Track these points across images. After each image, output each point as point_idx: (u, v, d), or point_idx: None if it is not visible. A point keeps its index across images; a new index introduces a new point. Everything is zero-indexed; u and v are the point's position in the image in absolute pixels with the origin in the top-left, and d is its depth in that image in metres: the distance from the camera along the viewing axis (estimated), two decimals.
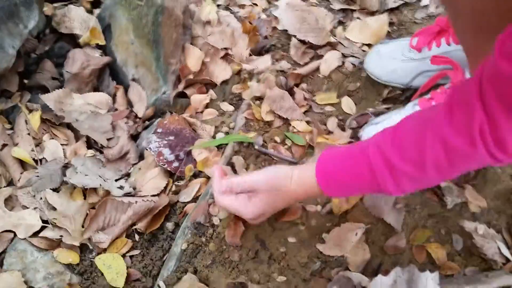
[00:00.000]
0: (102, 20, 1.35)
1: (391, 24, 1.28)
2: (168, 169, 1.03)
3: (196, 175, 1.04)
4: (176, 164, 1.04)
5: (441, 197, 0.93)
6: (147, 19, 1.15)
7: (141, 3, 1.19)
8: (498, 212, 0.92)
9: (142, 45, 1.19)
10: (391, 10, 1.32)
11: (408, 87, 1.09)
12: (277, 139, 1.09)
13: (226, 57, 1.24)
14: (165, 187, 1.03)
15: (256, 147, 1.05)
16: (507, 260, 0.84)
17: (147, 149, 1.06)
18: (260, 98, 1.16)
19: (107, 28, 1.33)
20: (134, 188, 1.03)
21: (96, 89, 1.28)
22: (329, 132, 1.08)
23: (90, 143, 1.16)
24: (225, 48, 1.24)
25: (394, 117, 0.97)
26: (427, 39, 1.03)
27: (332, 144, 1.03)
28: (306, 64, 1.23)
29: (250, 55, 1.25)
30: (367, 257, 0.85)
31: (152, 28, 1.15)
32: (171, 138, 1.07)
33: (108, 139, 1.14)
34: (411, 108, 0.97)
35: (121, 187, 1.03)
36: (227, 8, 1.35)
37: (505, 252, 0.84)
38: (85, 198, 1.03)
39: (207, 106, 1.18)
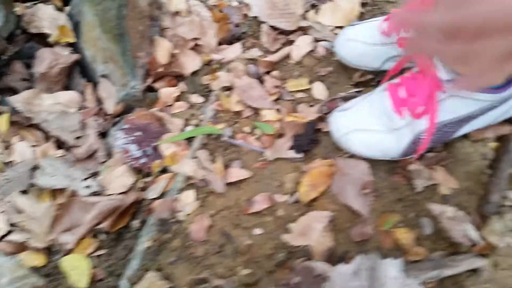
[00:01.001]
0: (72, 17, 1.33)
1: (364, 4, 1.24)
2: (136, 165, 1.02)
3: (164, 171, 1.03)
4: (143, 160, 1.02)
5: (410, 180, 0.90)
6: (111, 13, 1.13)
7: None
8: (469, 193, 0.89)
9: (109, 40, 1.17)
10: None
11: (380, 71, 1.05)
12: (247, 129, 1.07)
13: (196, 47, 1.21)
14: (133, 184, 1.01)
15: (225, 138, 1.03)
16: (475, 243, 0.81)
17: (114, 147, 1.05)
18: (229, 88, 1.13)
19: (77, 25, 1.31)
20: (102, 187, 1.02)
21: (66, 87, 1.27)
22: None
23: (60, 143, 1.14)
24: (195, 39, 1.22)
25: (362, 103, 0.94)
26: (395, 26, 0.99)
27: (301, 121, 1.00)
28: (277, 50, 1.20)
29: (220, 44, 1.22)
30: (330, 245, 0.83)
31: (117, 22, 1.13)
32: (138, 133, 1.05)
33: (77, 138, 1.13)
34: (379, 93, 0.93)
35: (88, 187, 1.03)
36: None
37: (473, 234, 0.81)
38: (53, 200, 1.02)
39: (177, 99, 1.16)
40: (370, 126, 0.88)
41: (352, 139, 0.90)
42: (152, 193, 0.99)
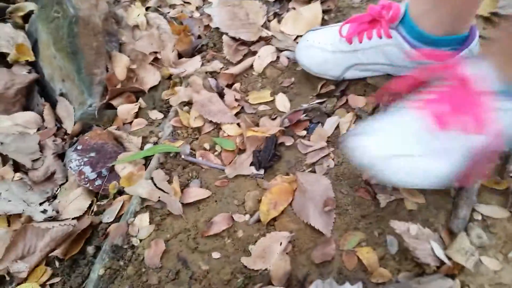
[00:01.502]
0: (31, 35, 1.29)
1: (328, 11, 1.20)
2: (91, 188, 0.97)
3: (121, 192, 0.98)
4: (98, 182, 0.98)
5: (375, 196, 0.86)
6: (63, 31, 1.08)
7: (58, 15, 1.12)
8: (436, 208, 0.84)
9: (63, 58, 1.12)
10: None
11: (340, 80, 1.01)
12: (207, 146, 1.02)
13: (156, 61, 1.17)
14: (89, 208, 0.97)
15: (183, 156, 0.99)
16: (443, 262, 0.77)
17: (68, 169, 1.00)
18: (189, 103, 1.09)
19: (35, 43, 1.26)
20: (58, 211, 0.97)
21: (25, 108, 1.22)
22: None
23: (17, 166, 1.09)
24: (154, 52, 1.18)
25: (388, 126, 0.80)
26: (357, 29, 0.96)
27: (262, 135, 0.96)
28: (239, 62, 1.16)
29: (180, 57, 1.18)
30: (288, 269, 0.79)
31: (69, 39, 1.09)
32: (92, 154, 1.00)
33: (34, 160, 1.08)
34: (407, 112, 0.80)
35: (44, 211, 0.98)
36: (157, 9, 1.28)
37: (439, 253, 0.77)
38: (9, 225, 0.97)
39: (136, 115, 1.12)
40: (408, 151, 0.75)
41: (390, 167, 0.75)
42: (108, 216, 0.95)
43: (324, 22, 1.19)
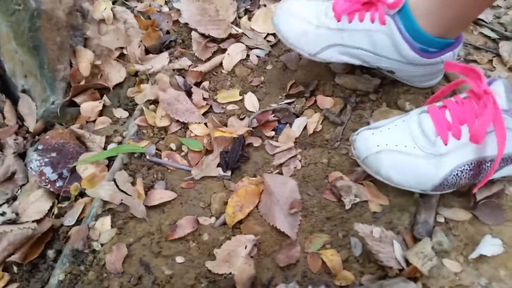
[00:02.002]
0: None
1: None
2: (51, 189, 0.94)
3: (82, 194, 0.95)
4: (60, 183, 0.95)
5: (340, 198, 0.86)
6: (24, 24, 1.04)
7: (19, 7, 1.08)
8: (401, 210, 0.85)
9: (25, 53, 1.08)
10: None
11: (313, 58, 0.98)
12: (173, 146, 1.00)
13: (121, 57, 1.13)
14: (50, 210, 0.94)
15: (148, 157, 0.97)
16: (407, 264, 0.78)
17: (28, 169, 0.97)
18: (155, 102, 1.06)
19: None
20: (17, 214, 0.94)
21: None
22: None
23: None
24: (120, 48, 1.14)
25: (397, 122, 0.83)
26: (350, 8, 0.90)
27: (229, 136, 0.94)
28: (208, 59, 1.13)
29: (148, 52, 1.15)
30: (252, 273, 0.78)
31: (30, 34, 1.04)
32: (53, 155, 0.97)
33: None
34: (417, 115, 0.82)
35: (3, 214, 0.94)
36: (124, 3, 1.24)
37: (399, 256, 0.77)
38: None
39: (100, 114, 1.09)
40: (407, 148, 0.77)
41: (383, 160, 0.79)
42: (69, 219, 0.92)
43: None
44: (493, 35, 1.16)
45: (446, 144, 0.76)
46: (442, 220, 0.84)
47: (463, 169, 0.77)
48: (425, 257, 0.75)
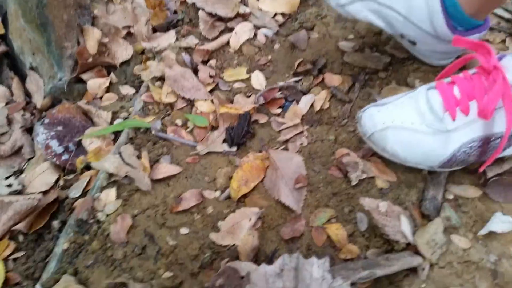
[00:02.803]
0: (1, 7, 1.24)
1: None
2: (57, 162, 0.94)
3: (88, 167, 0.95)
4: (65, 156, 0.95)
5: (346, 174, 0.85)
6: (32, 1, 1.04)
7: None
8: (408, 186, 0.83)
9: (33, 30, 1.08)
10: None
11: (339, 10, 0.94)
12: (179, 122, 1.00)
13: (129, 36, 1.13)
14: (55, 182, 0.94)
15: (154, 132, 0.96)
16: (410, 241, 0.76)
17: (35, 142, 0.97)
18: (162, 79, 1.06)
19: (5, 15, 1.22)
20: (23, 186, 0.94)
21: None
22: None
23: None
24: (127, 26, 1.14)
25: (404, 98, 0.81)
26: None
27: (235, 112, 0.94)
28: (215, 38, 1.13)
29: (154, 31, 1.14)
30: (256, 244, 0.77)
31: (38, 11, 1.05)
32: (59, 128, 0.97)
33: (1, 134, 1.05)
34: (425, 90, 0.79)
35: (9, 185, 0.94)
36: None
37: (407, 231, 0.76)
38: None
39: (107, 90, 1.09)
40: (413, 125, 0.76)
41: (389, 136, 0.77)
42: (74, 191, 0.92)
43: (303, 1, 1.16)
44: (506, 15, 1.14)
45: (454, 120, 0.75)
46: (451, 196, 0.82)
47: (472, 145, 0.75)
48: (436, 245, 0.74)
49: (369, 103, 0.86)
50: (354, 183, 0.84)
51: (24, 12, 1.09)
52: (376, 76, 1.00)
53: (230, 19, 1.15)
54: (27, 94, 1.13)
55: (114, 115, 1.02)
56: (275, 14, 1.15)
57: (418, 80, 0.96)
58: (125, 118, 1.01)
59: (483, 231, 0.76)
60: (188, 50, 1.09)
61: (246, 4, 1.17)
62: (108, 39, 1.10)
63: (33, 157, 1.02)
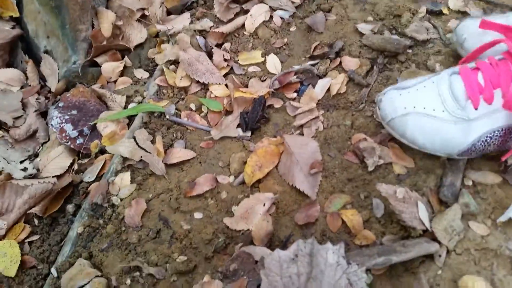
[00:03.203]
0: None
1: None
2: (72, 146, 0.94)
3: (102, 151, 0.95)
4: (80, 140, 0.95)
5: (363, 159, 0.83)
6: None
7: None
8: (426, 172, 0.81)
9: (47, 13, 1.08)
10: None
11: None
12: (193, 106, 0.99)
13: (143, 18, 1.12)
14: (70, 166, 0.94)
15: (167, 116, 0.96)
16: (427, 228, 0.75)
17: (49, 126, 0.97)
18: (176, 62, 1.05)
19: None
20: (38, 170, 0.94)
21: (9, 65, 1.18)
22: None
23: (0, 124, 1.06)
24: (142, 9, 1.13)
25: (426, 83, 0.78)
26: None
27: (250, 97, 0.92)
28: (230, 21, 1.11)
29: (169, 14, 1.13)
30: (270, 229, 0.76)
31: None
32: (74, 112, 0.97)
33: (16, 118, 1.05)
34: (448, 76, 0.77)
35: (24, 169, 0.95)
36: None
37: (424, 218, 0.74)
38: None
39: (121, 74, 1.08)
40: (434, 112, 0.73)
41: (410, 122, 0.75)
42: (89, 175, 0.92)
43: None
44: None
45: (476, 109, 0.72)
46: (470, 183, 0.80)
47: (493, 135, 0.72)
48: (453, 231, 0.72)
49: (388, 87, 0.83)
50: (370, 169, 0.83)
51: None
52: (395, 59, 0.98)
53: (245, 1, 1.13)
54: (42, 78, 1.13)
55: (128, 99, 1.02)
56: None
57: (438, 63, 0.93)
58: (139, 102, 1.00)
59: (502, 218, 0.74)
60: (203, 33, 1.08)
61: None
62: (122, 22, 1.09)
63: (47, 141, 1.03)
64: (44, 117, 1.05)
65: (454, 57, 0.93)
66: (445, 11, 1.04)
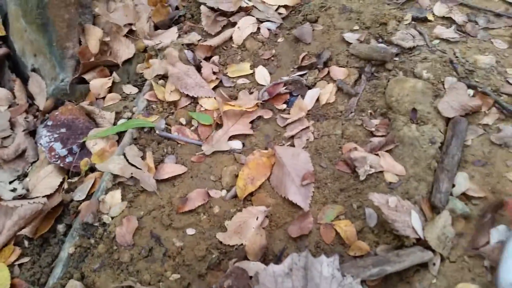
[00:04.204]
0: (1, 8, 1.23)
1: None
2: (61, 165, 0.93)
3: (92, 169, 0.94)
4: (69, 159, 0.94)
5: (354, 169, 0.83)
6: (32, 1, 1.03)
7: None
8: (418, 180, 0.81)
9: (34, 31, 1.07)
10: None
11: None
12: (183, 120, 0.99)
13: (130, 34, 1.12)
14: (60, 185, 0.93)
15: (158, 131, 0.95)
16: (420, 236, 0.75)
17: (38, 145, 0.96)
18: (165, 77, 1.05)
19: (5, 16, 1.21)
20: (28, 190, 0.93)
21: None
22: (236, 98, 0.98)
23: None
24: (129, 24, 1.12)
25: None
26: None
27: (239, 110, 0.92)
28: (218, 34, 1.11)
29: (157, 28, 1.13)
30: (264, 243, 0.76)
31: (38, 11, 1.03)
32: (63, 130, 0.96)
33: (4, 138, 1.04)
34: None
35: (14, 190, 0.94)
36: None
37: (417, 226, 0.74)
38: None
39: (110, 90, 1.07)
40: None
41: None
42: (79, 194, 0.91)
43: None
44: None
45: None
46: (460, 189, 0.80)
47: None
48: (446, 238, 0.72)
49: (376, 96, 0.83)
50: (362, 178, 0.83)
51: (24, 12, 1.08)
52: (383, 67, 0.98)
53: (232, 14, 1.13)
54: (30, 96, 1.13)
55: (118, 115, 1.01)
56: (278, 7, 1.13)
57: (426, 70, 0.93)
58: (129, 118, 0.99)
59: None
60: (191, 46, 1.08)
61: None
62: (109, 38, 1.09)
63: (36, 160, 1.01)
64: (33, 136, 1.04)
65: (442, 64, 0.94)
66: (430, 17, 1.05)
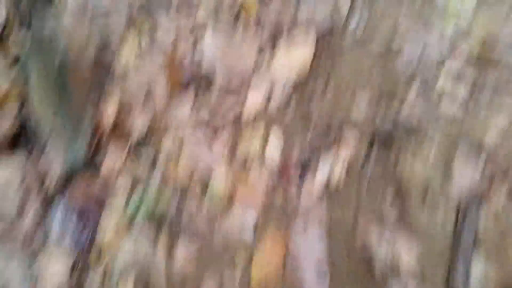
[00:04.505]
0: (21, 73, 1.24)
1: None
2: (73, 254, 0.93)
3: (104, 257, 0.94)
4: (80, 247, 0.94)
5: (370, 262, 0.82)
6: (51, 76, 1.05)
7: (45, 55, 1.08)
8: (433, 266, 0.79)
9: (50, 104, 1.08)
10: None
11: None
12: (193, 204, 0.98)
13: (144, 107, 1.13)
14: (70, 276, 0.93)
15: (171, 217, 0.95)
16: None
17: (50, 231, 0.96)
18: (178, 154, 1.05)
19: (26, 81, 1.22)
20: (36, 280, 0.93)
21: (10, 155, 1.18)
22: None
23: None
24: (144, 97, 1.13)
25: None
26: None
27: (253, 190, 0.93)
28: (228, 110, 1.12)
29: (170, 97, 1.14)
30: None
31: (57, 85, 1.05)
32: (73, 217, 0.97)
33: (15, 217, 1.04)
34: None
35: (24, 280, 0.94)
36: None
37: None
38: None
39: (122, 167, 1.07)
40: None
41: None
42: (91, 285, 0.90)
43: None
44: None
45: None
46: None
47: None
48: None
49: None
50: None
51: (43, 86, 1.08)
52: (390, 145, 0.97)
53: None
54: (42, 172, 1.13)
55: (128, 196, 1.01)
56: (288, 80, 1.12)
57: None
58: (140, 198, 0.99)
59: None
60: (203, 123, 1.08)
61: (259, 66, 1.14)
62: (125, 112, 1.10)
63: (45, 245, 1.01)
64: (44, 214, 1.04)
65: None
66: None
